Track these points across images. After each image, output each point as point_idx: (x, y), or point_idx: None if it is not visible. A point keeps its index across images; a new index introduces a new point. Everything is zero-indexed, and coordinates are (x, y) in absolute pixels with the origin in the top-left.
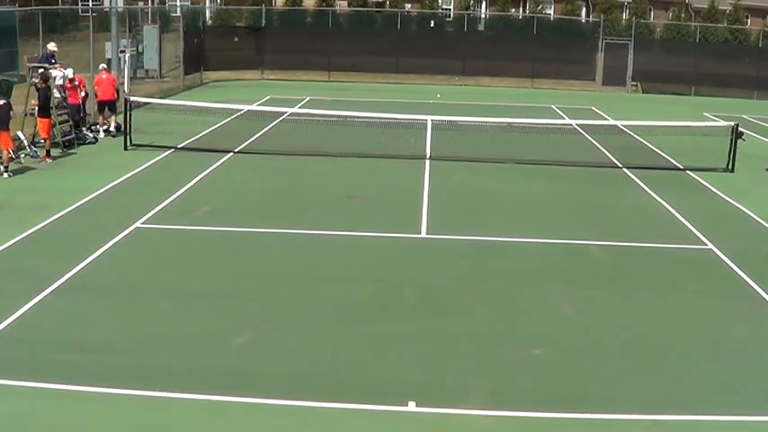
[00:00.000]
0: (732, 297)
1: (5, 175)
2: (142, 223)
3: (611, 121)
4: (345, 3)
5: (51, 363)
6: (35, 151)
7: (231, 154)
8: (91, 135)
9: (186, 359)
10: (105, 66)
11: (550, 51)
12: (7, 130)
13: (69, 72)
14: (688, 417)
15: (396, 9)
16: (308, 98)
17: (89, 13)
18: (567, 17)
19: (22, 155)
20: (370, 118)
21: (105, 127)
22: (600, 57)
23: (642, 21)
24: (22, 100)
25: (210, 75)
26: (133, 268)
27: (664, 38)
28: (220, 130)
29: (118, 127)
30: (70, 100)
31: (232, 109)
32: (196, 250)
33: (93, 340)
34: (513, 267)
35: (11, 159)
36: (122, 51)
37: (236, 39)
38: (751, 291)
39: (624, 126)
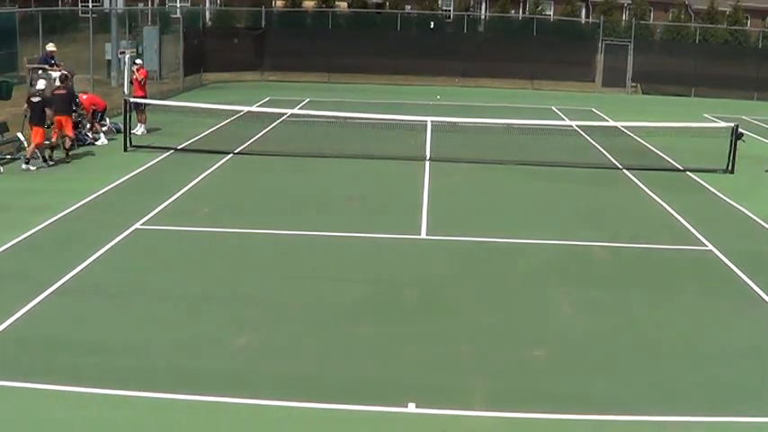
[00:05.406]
0: (732, 298)
1: (24, 166)
2: (142, 224)
3: (611, 123)
4: (345, 4)
5: (51, 364)
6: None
7: (231, 155)
8: (90, 136)
9: (186, 360)
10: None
11: (550, 52)
12: (41, 125)
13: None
14: (688, 418)
15: (395, 10)
16: (308, 99)
17: (89, 14)
18: (566, 18)
19: (22, 156)
20: (370, 119)
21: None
22: (600, 58)
23: (642, 22)
24: (23, 101)
25: (210, 76)
26: (133, 269)
27: (663, 39)
28: (220, 131)
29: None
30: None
31: (232, 110)
32: (196, 251)
33: (93, 341)
34: (513, 268)
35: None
36: (122, 52)
37: (235, 40)
38: (751, 291)
39: (624, 127)
